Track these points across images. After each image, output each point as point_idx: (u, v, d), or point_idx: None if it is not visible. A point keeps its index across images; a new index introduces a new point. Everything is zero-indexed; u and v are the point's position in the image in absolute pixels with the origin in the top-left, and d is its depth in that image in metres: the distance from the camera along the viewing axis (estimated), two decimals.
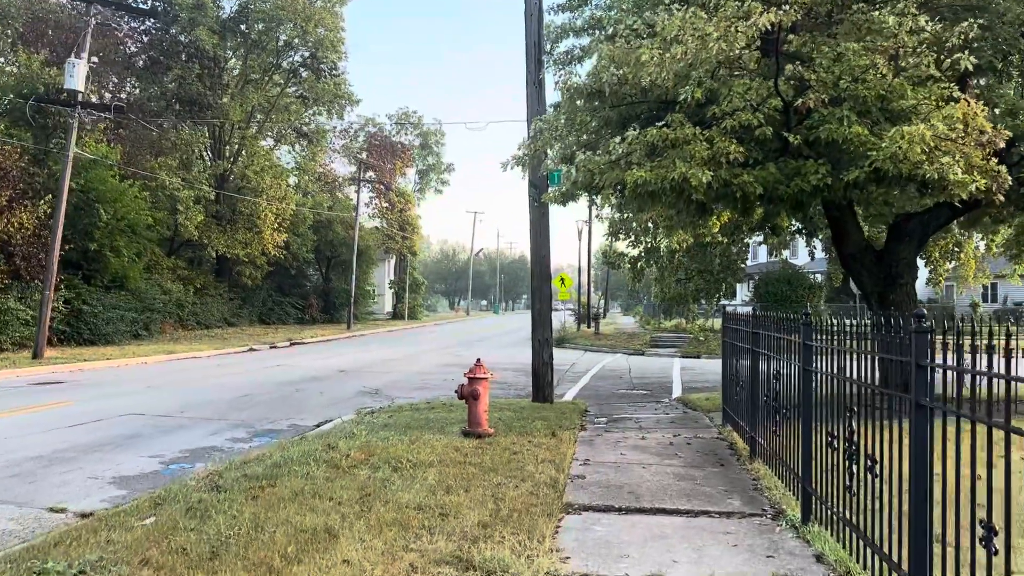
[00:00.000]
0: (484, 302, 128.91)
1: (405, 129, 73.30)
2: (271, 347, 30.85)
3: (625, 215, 34.09)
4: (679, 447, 8.32)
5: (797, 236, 23.89)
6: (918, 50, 8.26)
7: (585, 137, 10.80)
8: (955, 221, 14.09)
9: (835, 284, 32.59)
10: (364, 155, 58.77)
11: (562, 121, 10.14)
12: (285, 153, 50.93)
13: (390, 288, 65.97)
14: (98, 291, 29.15)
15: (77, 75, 20.84)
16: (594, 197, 10.49)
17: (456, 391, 8.89)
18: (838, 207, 12.41)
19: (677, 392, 15.82)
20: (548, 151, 10.49)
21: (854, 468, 4.44)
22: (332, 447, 7.86)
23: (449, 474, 6.81)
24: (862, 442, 4.32)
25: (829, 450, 4.96)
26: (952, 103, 8.13)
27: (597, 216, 27.15)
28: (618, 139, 8.79)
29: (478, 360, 8.88)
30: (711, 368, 22.88)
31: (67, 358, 21.89)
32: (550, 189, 10.78)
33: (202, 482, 6.61)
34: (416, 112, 73.81)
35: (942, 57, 8.28)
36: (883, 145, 8.06)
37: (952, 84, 8.43)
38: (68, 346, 26.05)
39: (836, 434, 4.82)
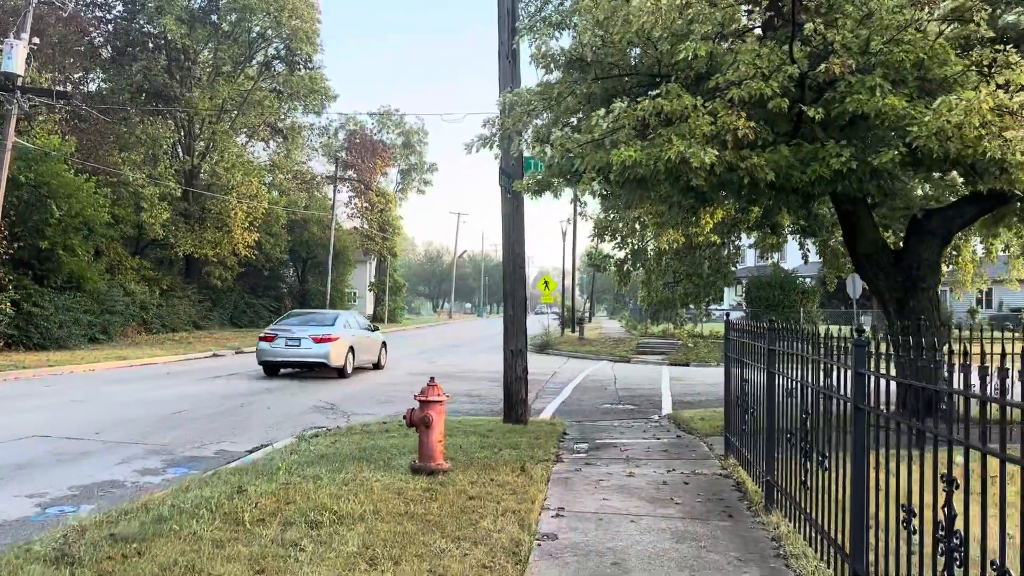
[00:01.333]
0: (468, 305, 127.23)
1: (387, 128, 71.70)
2: (236, 352, 29.12)
3: (610, 215, 32.63)
4: (675, 488, 6.78)
5: (792, 237, 22.62)
6: (966, 4, 6.79)
7: (564, 119, 9.29)
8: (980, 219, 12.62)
9: (829, 289, 31.24)
10: (343, 153, 57.08)
11: (537, 95, 8.59)
12: (260, 150, 49.24)
13: (370, 290, 64.21)
14: (51, 292, 27.33)
15: (16, 57, 19.12)
16: (574, 187, 8.96)
17: (405, 416, 7.31)
18: (852, 201, 10.94)
19: (667, 407, 14.31)
20: (522, 132, 8.93)
21: (956, 570, 2.91)
22: (241, 491, 6.25)
23: (381, 533, 5.23)
24: (974, 538, 2.80)
25: (902, 529, 3.43)
26: (1011, 68, 6.64)
27: (581, 214, 25.68)
28: (603, 111, 7.25)
29: (431, 379, 7.29)
30: (702, 378, 21.41)
31: (6, 365, 20.09)
32: (524, 177, 9.24)
33: (50, 546, 4.99)
34: (398, 110, 72.06)
35: (997, 13, 6.82)
36: (926, 119, 6.56)
37: (1009, 48, 6.94)
38: (15, 351, 24.21)
39: (916, 511, 3.29)
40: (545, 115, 8.57)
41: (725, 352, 8.10)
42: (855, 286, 26.74)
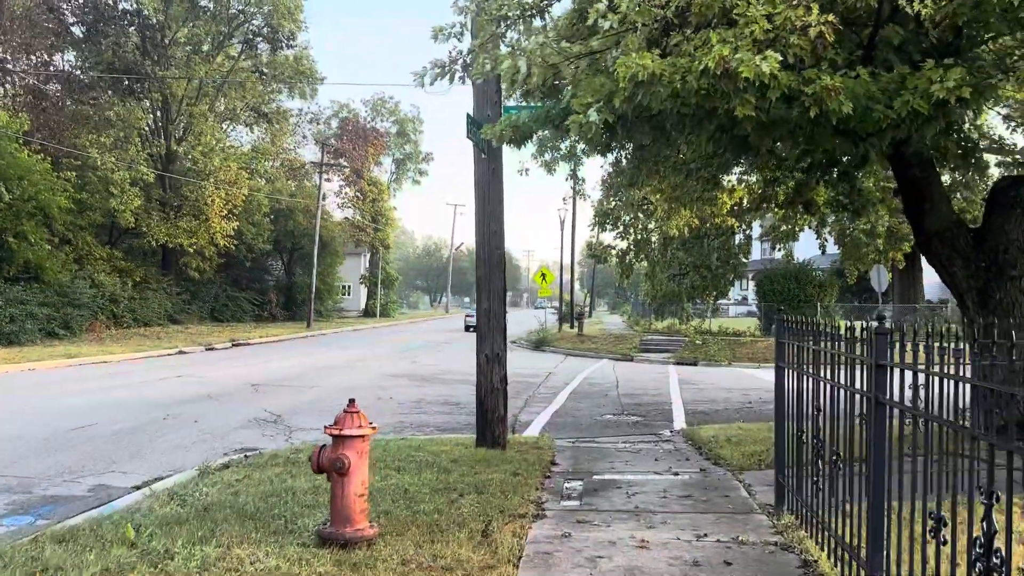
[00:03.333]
0: (467, 299, 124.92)
1: (380, 115, 69.35)
2: (207, 349, 26.87)
3: (611, 202, 30.22)
4: (713, 574, 4.43)
5: (807, 227, 20.43)
6: None
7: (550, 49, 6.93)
8: None
9: (849, 281, 28.86)
10: (333, 140, 54.69)
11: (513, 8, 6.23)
12: (244, 135, 46.87)
13: (361, 283, 61.84)
14: (0, 283, 25.03)
15: None
16: (564, 133, 6.59)
17: (311, 458, 4.95)
18: (923, 164, 8.63)
19: (680, 419, 11.98)
20: (491, 50, 6.52)
21: None
22: None
23: None
24: None
25: None
26: None
27: (579, 193, 23.13)
28: (603, 4, 4.89)
29: (351, 403, 4.94)
30: (714, 379, 19.08)
31: None
32: (498, 122, 6.87)
33: None
34: (392, 98, 69.59)
35: None
36: None
37: None
38: None
39: None
40: (522, 22, 6.20)
41: (777, 362, 5.75)
42: (880, 278, 24.35)
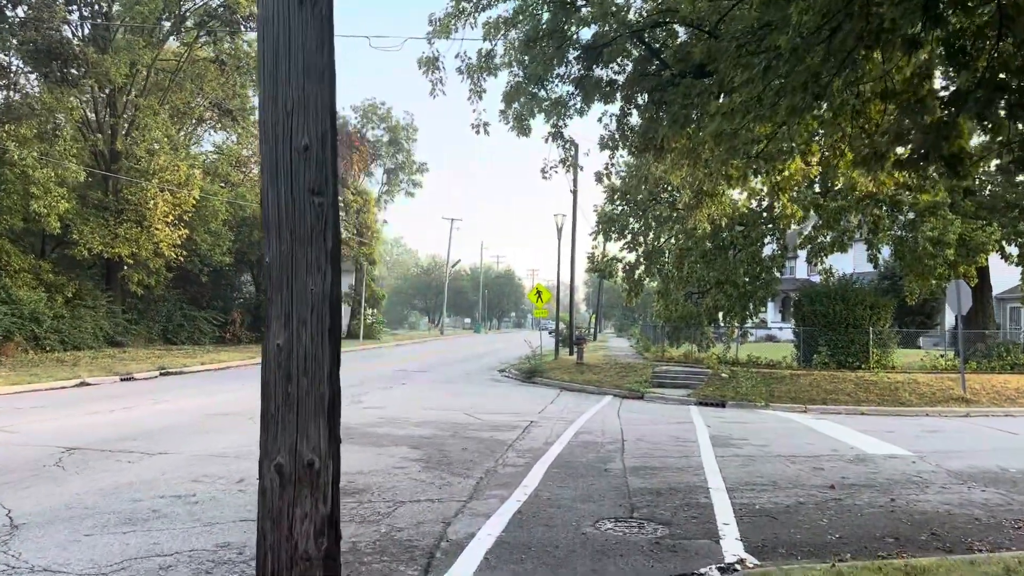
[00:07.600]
0: (468, 320, 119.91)
1: (371, 122, 64.87)
2: (123, 379, 21.87)
3: (617, 207, 25.63)
4: None
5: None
6: None
7: None
8: None
9: (909, 302, 23.64)
10: None
11: None
12: (208, 135, 42.21)
13: (345, 303, 56.77)
14: None
15: None
16: None
17: None
18: None
19: (731, 531, 6.81)
20: None
21: None
22: None
23: None
24: None
25: None
26: None
27: (566, 162, 17.82)
28: None
29: None
30: (757, 434, 13.67)
31: None
32: None
33: None
34: (384, 104, 65.15)
35: None
36: None
37: None
38: None
39: None
40: None
41: None
42: (961, 297, 19.01)
